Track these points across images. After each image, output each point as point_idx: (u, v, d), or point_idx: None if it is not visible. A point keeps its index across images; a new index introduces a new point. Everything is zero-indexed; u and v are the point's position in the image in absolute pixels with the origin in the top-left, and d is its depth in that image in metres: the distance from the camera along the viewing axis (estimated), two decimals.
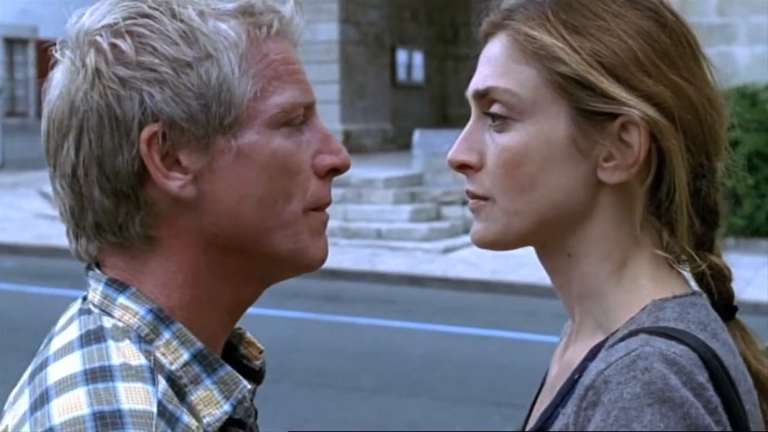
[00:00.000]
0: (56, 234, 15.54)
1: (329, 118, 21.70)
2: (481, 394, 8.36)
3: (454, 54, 26.18)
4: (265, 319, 11.31)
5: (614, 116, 1.36)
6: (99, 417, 1.18)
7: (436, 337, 10.51)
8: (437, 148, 17.11)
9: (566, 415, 1.31)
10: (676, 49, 1.39)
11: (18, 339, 9.49)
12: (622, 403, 1.21)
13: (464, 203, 16.17)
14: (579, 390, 1.28)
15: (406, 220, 16.09)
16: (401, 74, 25.04)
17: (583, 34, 1.37)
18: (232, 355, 1.44)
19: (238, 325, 1.44)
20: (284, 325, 10.65)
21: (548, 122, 1.38)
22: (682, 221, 1.38)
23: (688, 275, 1.44)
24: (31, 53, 29.16)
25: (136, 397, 1.21)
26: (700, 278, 1.42)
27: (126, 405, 1.19)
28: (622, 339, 1.30)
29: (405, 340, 10.37)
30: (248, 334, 1.47)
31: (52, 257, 14.36)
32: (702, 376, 1.24)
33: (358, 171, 17.29)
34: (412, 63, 25.41)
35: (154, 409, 1.20)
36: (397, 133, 23.28)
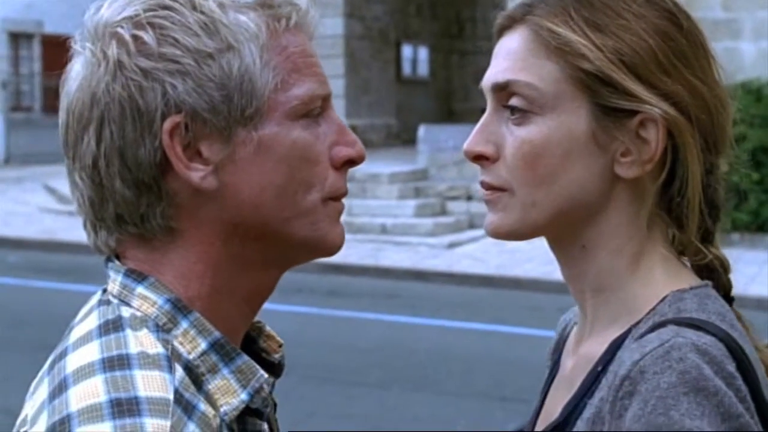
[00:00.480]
0: (61, 228, 15.56)
1: None
2: (485, 389, 8.37)
3: (459, 49, 26.18)
4: (269, 314, 11.26)
5: (633, 113, 1.40)
6: (116, 404, 1.19)
7: (441, 332, 10.52)
8: (442, 143, 17.12)
9: (594, 405, 1.34)
10: (691, 49, 1.43)
11: (23, 333, 9.51)
12: (659, 392, 1.24)
13: (469, 198, 16.19)
14: (613, 380, 1.31)
15: (411, 215, 16.10)
16: (406, 69, 25.05)
17: (605, 32, 1.40)
18: (252, 348, 1.44)
19: (256, 318, 1.45)
20: (288, 319, 10.64)
21: (569, 117, 1.41)
22: (693, 217, 1.42)
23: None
24: (36, 48, 29.16)
25: (153, 385, 1.22)
26: (700, 270, 1.46)
27: (143, 392, 1.21)
28: (652, 329, 1.33)
29: (409, 335, 10.37)
30: (268, 328, 1.48)
31: (56, 252, 14.39)
32: (731, 366, 1.28)
33: (362, 166, 17.00)
34: (417, 58, 25.41)
35: (171, 397, 1.22)
36: (401, 128, 23.29)
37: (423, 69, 25.69)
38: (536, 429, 1.52)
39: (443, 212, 16.52)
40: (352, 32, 22.28)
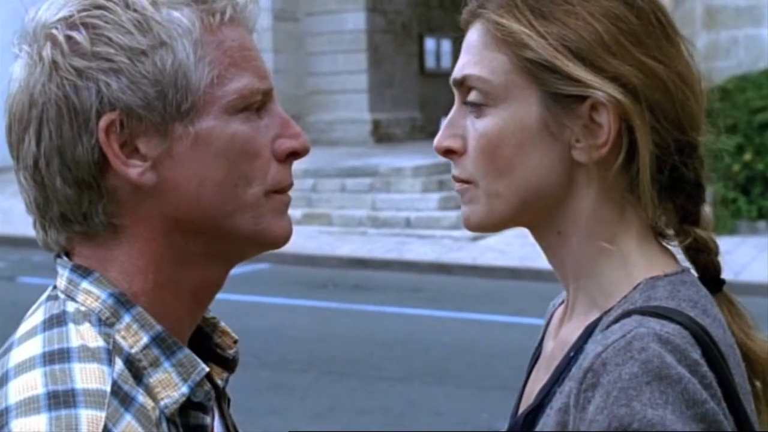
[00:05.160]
0: None
1: (358, 108, 21.71)
2: (508, 382, 8.33)
3: None
4: (293, 309, 11.36)
5: (583, 98, 1.40)
6: (52, 396, 1.21)
7: (464, 325, 10.52)
8: None
9: (563, 394, 1.34)
10: (645, 28, 1.42)
11: None
12: (621, 383, 1.24)
13: None
14: (577, 372, 1.31)
15: (435, 209, 16.08)
16: (429, 62, 25.03)
17: (549, 19, 1.41)
18: (207, 344, 1.47)
19: (213, 314, 1.48)
20: (312, 315, 10.68)
21: (521, 107, 1.42)
22: (645, 198, 1.41)
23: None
24: None
25: (90, 377, 1.24)
26: (686, 251, 1.46)
27: (80, 384, 1.23)
28: (616, 320, 1.33)
29: (432, 328, 10.38)
30: (222, 324, 1.50)
31: None
32: (695, 353, 1.28)
33: (386, 160, 17.28)
34: (440, 51, 25.38)
35: (108, 389, 1.24)
36: (426, 121, 23.28)
37: (446, 61, 25.63)
38: (519, 410, 1.52)
39: None
40: (374, 26, 22.28)
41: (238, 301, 10.63)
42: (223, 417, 1.46)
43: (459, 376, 8.56)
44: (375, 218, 15.63)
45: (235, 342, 1.49)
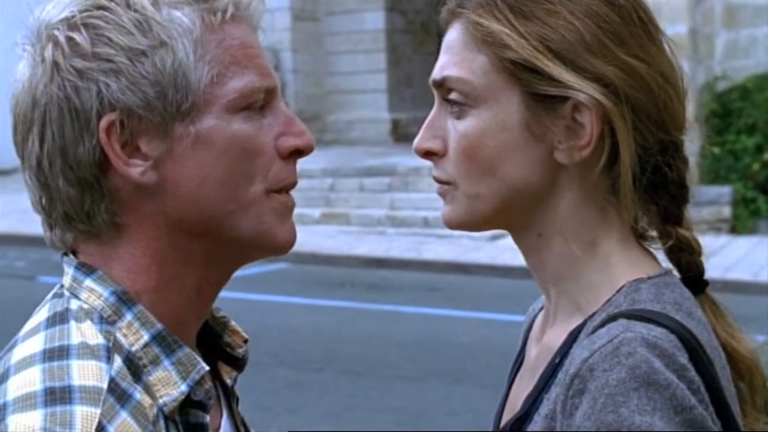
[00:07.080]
0: None
1: (377, 107, 21.70)
2: None
3: None
4: (311, 309, 11.37)
5: (565, 99, 1.38)
6: (49, 392, 1.22)
7: (482, 325, 10.51)
8: None
9: (550, 400, 1.34)
10: (627, 27, 1.40)
11: None
12: (609, 390, 1.23)
13: None
14: (564, 378, 1.30)
15: None
16: None
17: (530, 18, 1.39)
18: (217, 343, 1.48)
19: (222, 313, 1.48)
20: (330, 314, 10.68)
21: (502, 108, 1.40)
22: (625, 200, 1.39)
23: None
24: None
25: (87, 374, 1.25)
26: (669, 252, 1.45)
27: (77, 381, 1.24)
28: (603, 324, 1.32)
29: (450, 327, 10.37)
30: (233, 323, 1.50)
31: None
32: (683, 358, 1.27)
33: (404, 159, 17.27)
34: None
35: (105, 386, 1.25)
36: None
37: None
38: (503, 419, 1.51)
39: None
40: (393, 26, 22.26)
41: (257, 300, 10.64)
42: (232, 415, 1.46)
43: (476, 376, 8.55)
44: (393, 218, 15.61)
45: (245, 341, 1.50)
